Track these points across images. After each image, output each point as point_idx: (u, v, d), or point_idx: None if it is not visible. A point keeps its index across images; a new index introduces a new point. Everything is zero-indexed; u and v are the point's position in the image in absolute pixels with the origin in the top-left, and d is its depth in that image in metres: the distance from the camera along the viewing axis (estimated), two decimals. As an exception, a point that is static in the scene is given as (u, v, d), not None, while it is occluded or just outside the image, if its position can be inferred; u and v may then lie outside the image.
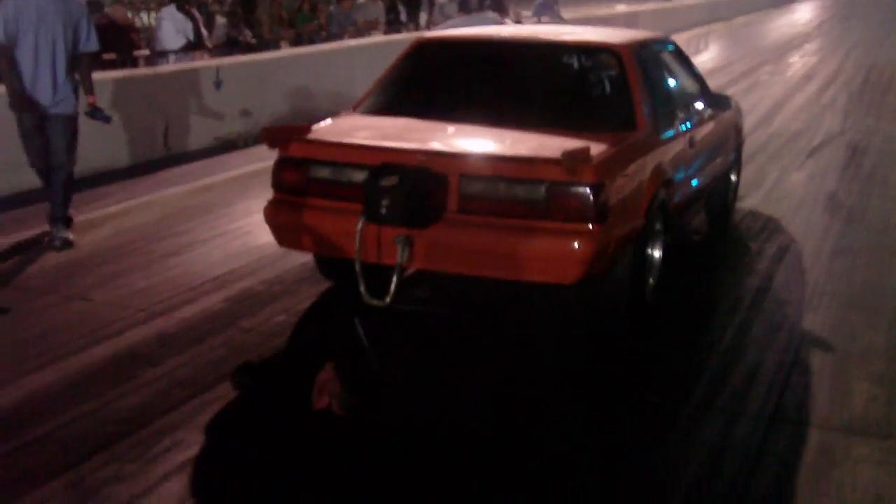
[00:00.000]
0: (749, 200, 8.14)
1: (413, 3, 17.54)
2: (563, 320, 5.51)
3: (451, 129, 5.33)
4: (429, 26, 17.08)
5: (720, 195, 7.40)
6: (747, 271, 6.40)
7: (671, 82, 6.37)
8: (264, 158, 9.30)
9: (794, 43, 26.24)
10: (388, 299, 4.86)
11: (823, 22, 37.19)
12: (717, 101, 7.00)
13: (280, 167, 5.17)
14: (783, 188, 8.78)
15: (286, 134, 5.20)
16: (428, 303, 5.50)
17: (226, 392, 4.45)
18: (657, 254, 5.57)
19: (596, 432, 4.21)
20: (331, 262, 5.62)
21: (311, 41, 13.85)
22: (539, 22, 18.56)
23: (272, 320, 5.35)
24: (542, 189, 4.64)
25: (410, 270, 5.38)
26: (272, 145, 5.16)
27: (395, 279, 4.82)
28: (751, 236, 7.24)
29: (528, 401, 4.46)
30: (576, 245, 4.60)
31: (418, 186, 4.68)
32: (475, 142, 5.10)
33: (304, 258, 6.33)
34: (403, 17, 16.95)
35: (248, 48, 12.76)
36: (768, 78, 17.65)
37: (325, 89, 12.00)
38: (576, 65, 5.91)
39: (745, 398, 4.50)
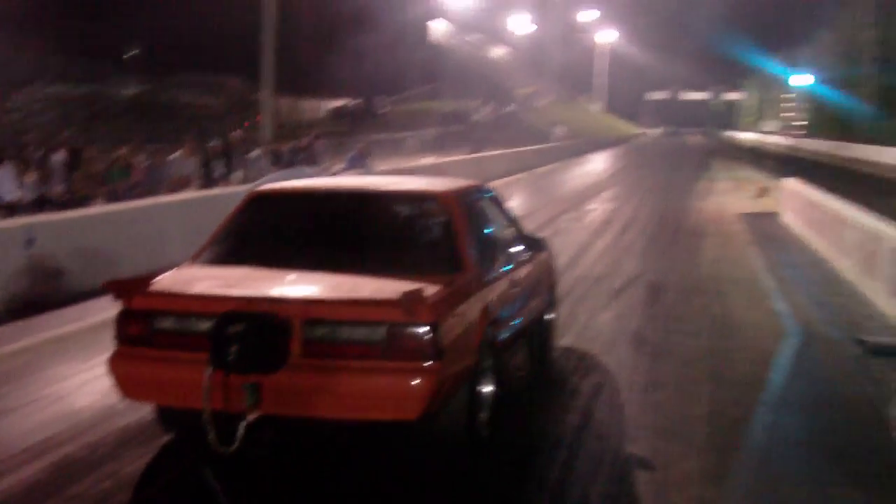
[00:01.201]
0: (563, 340, 8.49)
1: (228, 158, 17.68)
2: (402, 458, 5.63)
3: (290, 276, 5.46)
4: (243, 181, 17.21)
5: (540, 333, 7.73)
6: (568, 408, 6.66)
7: (492, 226, 6.74)
8: (76, 320, 9.19)
9: (592, 191, 27.82)
10: (235, 446, 4.87)
11: (617, 171, 39.70)
12: (533, 244, 7.44)
13: (124, 319, 5.20)
14: (594, 328, 9.22)
15: (129, 286, 5.22)
16: (274, 447, 5.47)
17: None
18: (487, 390, 5.78)
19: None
20: (174, 413, 5.56)
21: (126, 197, 13.70)
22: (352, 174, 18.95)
23: (99, 486, 5.16)
24: (383, 330, 4.85)
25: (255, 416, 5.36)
26: (118, 297, 5.18)
27: (242, 426, 4.85)
28: (568, 373, 7.55)
29: None
30: (416, 382, 4.80)
31: (265, 333, 4.82)
32: (315, 288, 5.26)
33: (125, 421, 6.20)
34: (218, 172, 17.04)
35: (60, 205, 12.51)
36: (570, 224, 18.59)
37: (140, 245, 11.82)
38: (405, 212, 6.21)
39: (576, 532, 4.66)
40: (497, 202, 7.28)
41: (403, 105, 66.51)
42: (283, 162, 19.53)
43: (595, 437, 6.09)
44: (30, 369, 7.56)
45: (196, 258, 5.97)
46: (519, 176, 32.37)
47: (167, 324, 5.11)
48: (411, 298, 4.78)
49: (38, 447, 5.78)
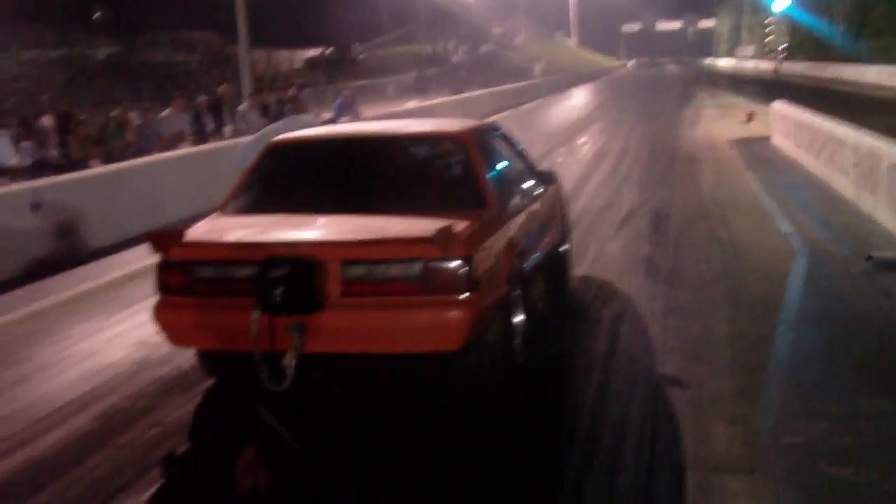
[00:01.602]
0: (578, 270, 8.60)
1: (217, 112, 17.57)
2: (444, 388, 5.73)
3: (321, 220, 5.55)
4: (234, 135, 17.14)
5: (557, 263, 7.86)
6: (594, 335, 6.79)
7: (506, 163, 6.82)
8: (89, 279, 9.25)
9: (579, 125, 27.82)
10: (286, 383, 4.98)
11: (600, 105, 39.61)
12: (544, 177, 7.57)
13: (164, 270, 5.29)
14: (605, 257, 9.33)
15: (167, 238, 5.31)
16: (322, 383, 5.59)
17: (121, 507, 4.38)
18: (518, 319, 5.93)
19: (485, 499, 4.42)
20: (218, 357, 5.66)
21: (121, 157, 13.66)
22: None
23: (147, 434, 5.27)
24: (418, 266, 4.96)
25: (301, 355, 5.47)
26: (156, 249, 5.27)
27: (291, 364, 4.98)
28: (588, 302, 7.68)
29: (425, 471, 4.70)
30: (455, 314, 4.94)
31: (305, 275, 4.93)
32: (349, 230, 5.35)
33: (160, 372, 6.30)
34: (210, 127, 16.96)
35: (58, 168, 12.47)
36: (564, 159, 18.62)
37: (142, 202, 11.88)
38: (424, 153, 6.33)
39: (621, 450, 4.80)
40: (507, 139, 7.36)
41: (379, 51, 66.08)
42: (272, 114, 19.42)
43: (624, 361, 6.21)
44: (55, 328, 7.62)
45: (223, 209, 6.03)
46: (505, 114, 32.24)
47: (207, 272, 5.21)
48: (444, 234, 4.88)
49: (81, 400, 5.88)
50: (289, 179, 6.28)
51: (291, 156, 6.46)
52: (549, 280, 7.80)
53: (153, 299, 5.45)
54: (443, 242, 4.86)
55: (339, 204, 5.72)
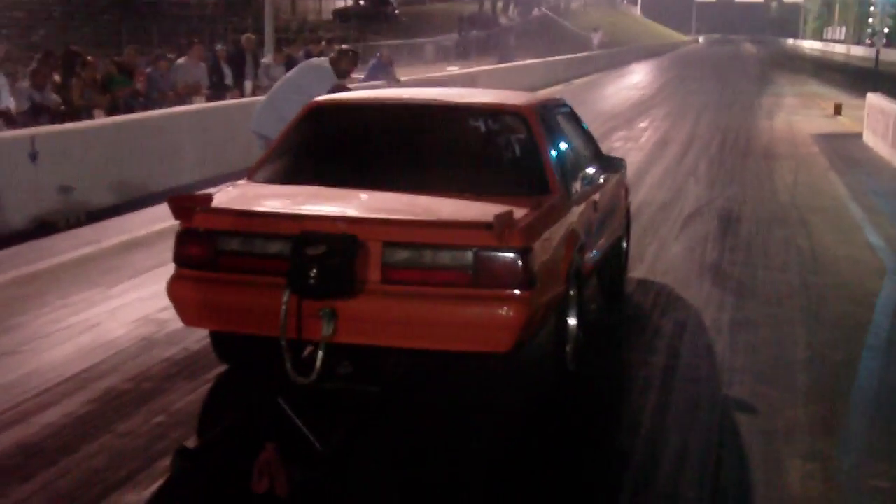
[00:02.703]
0: (635, 272, 8.58)
1: (238, 64, 17.64)
2: (486, 391, 5.77)
3: (363, 195, 5.56)
4: (254, 91, 17.23)
5: (614, 262, 7.82)
6: (652, 347, 6.79)
7: (572, 144, 6.79)
8: (92, 242, 9.33)
9: (639, 107, 27.70)
10: (313, 376, 4.98)
11: (664, 84, 39.39)
12: (611, 163, 7.57)
13: (184, 239, 5.28)
14: (666, 260, 9.31)
15: (190, 203, 5.29)
16: (353, 379, 5.59)
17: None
18: (573, 321, 5.91)
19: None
20: (235, 341, 5.67)
21: (128, 107, 13.75)
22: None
23: (151, 422, 5.30)
24: (469, 255, 4.92)
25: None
26: (178, 216, 5.26)
27: (320, 355, 4.97)
28: (646, 309, 7.68)
29: (461, 483, 4.72)
30: (508, 312, 4.91)
31: (345, 255, 4.88)
32: (393, 208, 5.33)
33: (167, 353, 6.36)
34: (229, 80, 17.04)
35: (57, 115, 12.54)
36: (623, 144, 18.53)
37: (152, 159, 11.99)
38: (482, 127, 6.23)
39: (680, 481, 4.79)
40: (574, 117, 7.33)
41: (417, 7, 65.93)
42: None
43: (686, 379, 6.20)
44: (50, 295, 7.68)
45: (252, 175, 6.05)
46: (557, 88, 32.22)
47: (233, 245, 5.18)
48: (503, 221, 4.82)
49: (80, 378, 5.93)
50: (328, 147, 6.28)
51: (332, 120, 6.45)
52: (605, 280, 7.79)
53: (160, 270, 5.50)
54: (500, 230, 4.81)
55: (383, 178, 5.71)
